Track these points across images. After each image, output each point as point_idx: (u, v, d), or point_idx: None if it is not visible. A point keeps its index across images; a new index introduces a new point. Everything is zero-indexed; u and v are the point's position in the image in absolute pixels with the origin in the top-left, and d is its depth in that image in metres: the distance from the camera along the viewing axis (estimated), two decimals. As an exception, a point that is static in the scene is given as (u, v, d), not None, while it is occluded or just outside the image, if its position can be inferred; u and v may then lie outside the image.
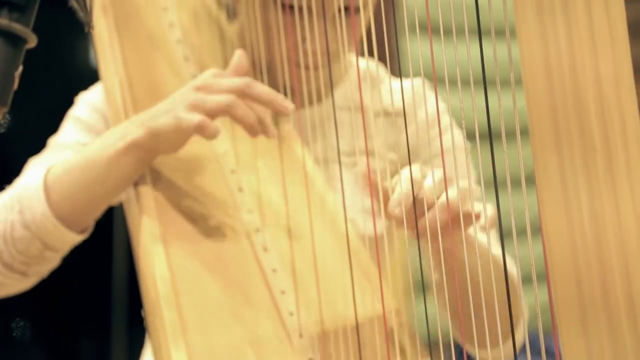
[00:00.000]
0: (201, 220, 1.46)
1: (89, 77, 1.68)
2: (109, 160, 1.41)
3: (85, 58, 3.25)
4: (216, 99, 1.39)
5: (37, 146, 1.62)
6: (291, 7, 1.49)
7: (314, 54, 1.51)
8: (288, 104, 1.40)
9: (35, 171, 1.51)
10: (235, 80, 1.41)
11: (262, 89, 1.41)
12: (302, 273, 1.42)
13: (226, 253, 1.43)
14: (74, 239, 1.45)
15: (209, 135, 1.39)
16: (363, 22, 1.51)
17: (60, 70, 3.05)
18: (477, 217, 1.25)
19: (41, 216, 1.42)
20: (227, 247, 1.44)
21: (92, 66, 3.07)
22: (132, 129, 1.42)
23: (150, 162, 1.45)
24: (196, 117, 1.38)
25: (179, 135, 1.41)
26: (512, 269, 1.46)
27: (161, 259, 1.40)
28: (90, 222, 1.47)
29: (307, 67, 1.53)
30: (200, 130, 1.39)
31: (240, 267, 1.42)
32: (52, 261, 1.47)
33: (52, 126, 1.64)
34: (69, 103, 1.65)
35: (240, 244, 1.45)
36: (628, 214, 0.96)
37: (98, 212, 1.46)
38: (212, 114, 1.40)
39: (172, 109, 1.41)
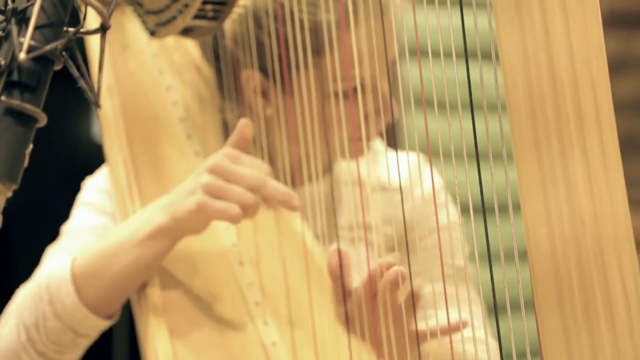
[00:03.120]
0: (202, 293, 1.48)
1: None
2: (134, 247, 1.43)
3: (89, 134, 3.28)
4: (239, 195, 1.40)
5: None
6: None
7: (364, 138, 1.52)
8: (296, 202, 1.42)
9: (58, 260, 1.52)
10: (252, 175, 1.41)
11: (276, 188, 1.42)
12: (301, 346, 1.43)
13: (227, 327, 1.45)
14: (104, 324, 1.47)
15: (236, 221, 1.40)
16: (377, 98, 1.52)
17: (63, 146, 3.08)
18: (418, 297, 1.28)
19: (72, 307, 1.44)
20: (228, 320, 1.46)
21: (96, 142, 3.10)
22: (154, 215, 1.43)
23: (174, 245, 1.45)
24: (221, 204, 1.39)
25: (202, 220, 1.42)
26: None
27: (163, 332, 1.42)
28: (118, 307, 1.49)
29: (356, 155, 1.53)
30: (229, 219, 1.40)
31: (240, 340, 1.44)
32: (83, 347, 1.50)
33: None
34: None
35: (240, 317, 1.46)
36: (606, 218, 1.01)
37: (125, 297, 1.48)
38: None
39: (192, 192, 1.41)
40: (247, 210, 1.40)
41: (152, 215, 1.44)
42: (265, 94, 1.55)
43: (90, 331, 1.47)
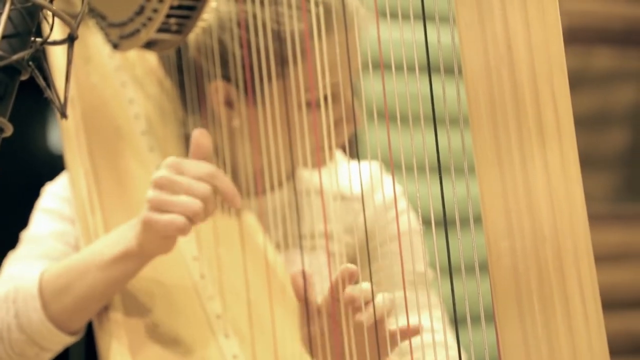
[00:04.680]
0: (162, 306, 1.48)
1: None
2: (101, 269, 1.43)
3: (47, 144, 3.26)
4: (184, 205, 1.39)
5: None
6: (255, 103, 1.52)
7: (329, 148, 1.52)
8: (237, 201, 1.42)
9: (23, 267, 1.53)
10: (198, 180, 1.41)
11: (224, 181, 1.42)
12: (262, 359, 1.44)
13: (188, 340, 1.45)
14: (69, 340, 1.47)
15: (184, 233, 1.40)
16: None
17: (21, 155, 3.06)
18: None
19: (38, 322, 1.44)
20: (189, 333, 1.45)
21: (54, 152, 3.08)
22: (122, 238, 1.43)
23: (143, 266, 1.45)
24: (167, 218, 1.38)
25: (158, 238, 1.40)
26: None
27: (124, 349, 1.42)
28: (83, 324, 1.49)
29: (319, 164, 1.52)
30: (176, 231, 1.39)
31: (201, 354, 1.43)
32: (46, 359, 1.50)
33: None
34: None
35: (201, 330, 1.46)
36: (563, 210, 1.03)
37: (92, 314, 1.48)
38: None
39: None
40: (197, 216, 1.39)
41: (121, 237, 1.44)
42: (231, 105, 1.56)
43: (54, 346, 1.48)
